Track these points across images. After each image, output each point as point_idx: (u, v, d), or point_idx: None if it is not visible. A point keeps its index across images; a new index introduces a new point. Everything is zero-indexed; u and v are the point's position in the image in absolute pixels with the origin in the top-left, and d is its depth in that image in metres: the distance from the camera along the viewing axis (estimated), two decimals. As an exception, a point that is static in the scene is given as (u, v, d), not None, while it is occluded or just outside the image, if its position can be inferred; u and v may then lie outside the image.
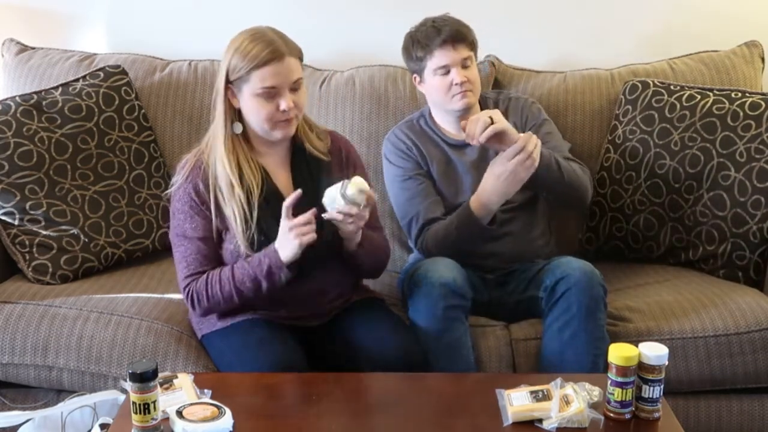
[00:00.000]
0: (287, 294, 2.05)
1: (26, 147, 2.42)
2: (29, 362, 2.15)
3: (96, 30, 2.98)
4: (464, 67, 2.34)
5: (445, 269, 2.15)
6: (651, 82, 2.65)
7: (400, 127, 2.50)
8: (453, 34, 2.32)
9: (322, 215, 1.94)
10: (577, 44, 2.94)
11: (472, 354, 2.15)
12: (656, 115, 2.57)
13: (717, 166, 2.46)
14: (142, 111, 2.67)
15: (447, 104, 2.37)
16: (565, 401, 1.70)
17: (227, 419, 1.67)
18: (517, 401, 1.74)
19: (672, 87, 2.62)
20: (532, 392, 1.75)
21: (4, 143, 2.40)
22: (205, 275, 2.02)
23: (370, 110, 2.68)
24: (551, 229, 2.53)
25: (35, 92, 2.56)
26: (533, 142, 2.18)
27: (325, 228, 1.96)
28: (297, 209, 1.93)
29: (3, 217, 2.41)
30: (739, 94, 2.52)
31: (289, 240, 1.92)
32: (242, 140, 2.06)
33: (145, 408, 1.62)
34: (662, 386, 1.72)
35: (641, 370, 1.71)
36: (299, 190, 1.94)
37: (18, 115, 2.46)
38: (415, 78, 2.44)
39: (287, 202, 1.93)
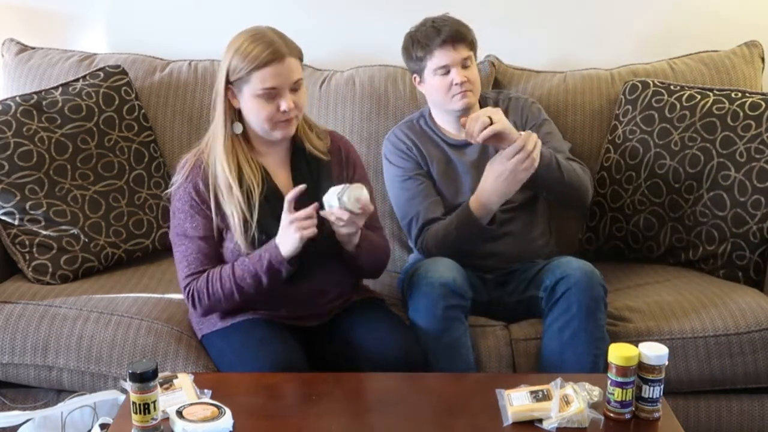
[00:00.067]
0: (287, 293, 2.05)
1: (26, 147, 2.42)
2: (29, 362, 2.15)
3: (96, 30, 2.98)
4: (464, 67, 2.34)
5: (444, 269, 2.15)
6: (651, 82, 2.65)
7: (400, 127, 2.50)
8: (453, 34, 2.32)
9: (320, 212, 1.95)
10: (577, 44, 2.94)
11: (472, 354, 2.15)
12: (656, 115, 2.57)
13: (717, 166, 2.46)
14: (142, 111, 2.67)
15: (447, 104, 2.37)
16: (565, 401, 1.70)
17: (227, 419, 1.67)
18: (517, 401, 1.74)
19: (672, 87, 2.62)
20: (532, 392, 1.75)
21: (4, 143, 2.40)
22: (205, 274, 2.02)
23: (370, 110, 2.68)
24: (551, 229, 2.53)
25: (35, 92, 2.56)
26: (533, 141, 2.18)
27: (325, 225, 1.96)
28: (297, 206, 1.94)
29: (3, 217, 2.41)
30: (739, 94, 2.52)
31: (290, 234, 1.92)
32: (242, 140, 2.06)
33: (145, 408, 1.62)
34: (662, 386, 1.72)
35: (641, 370, 1.71)
36: (303, 185, 1.95)
37: (18, 115, 2.46)
38: (415, 78, 2.44)
39: (290, 196, 1.93)
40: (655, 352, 1.70)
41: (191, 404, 1.70)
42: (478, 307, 2.28)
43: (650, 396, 1.71)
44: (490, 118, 2.19)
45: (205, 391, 1.79)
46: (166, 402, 1.71)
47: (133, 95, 2.67)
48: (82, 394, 2.05)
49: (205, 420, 1.65)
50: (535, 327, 2.24)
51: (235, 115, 2.05)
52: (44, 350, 2.14)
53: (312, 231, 1.91)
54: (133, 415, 1.62)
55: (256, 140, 2.09)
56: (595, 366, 2.09)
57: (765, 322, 2.20)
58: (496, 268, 2.38)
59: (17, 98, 2.51)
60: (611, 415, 1.72)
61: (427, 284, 2.12)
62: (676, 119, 2.54)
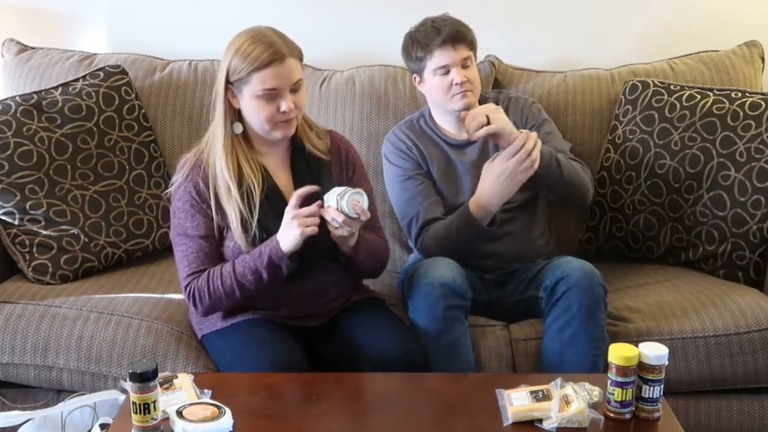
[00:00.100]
0: (288, 293, 2.06)
1: (26, 147, 2.42)
2: (29, 362, 2.15)
3: (96, 30, 2.98)
4: (464, 67, 2.34)
5: (444, 269, 2.15)
6: (651, 82, 2.65)
7: (400, 127, 2.50)
8: (453, 34, 2.32)
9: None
10: (577, 44, 2.94)
11: (472, 354, 2.15)
12: (656, 115, 2.57)
13: (717, 166, 2.46)
14: (142, 111, 2.67)
15: (447, 104, 2.37)
16: (565, 401, 1.70)
17: (227, 419, 1.67)
18: (517, 401, 1.74)
19: (672, 87, 2.62)
20: (532, 392, 1.75)
21: (4, 143, 2.40)
22: (206, 272, 2.01)
23: (370, 110, 2.68)
24: (551, 229, 2.53)
25: (35, 92, 2.56)
26: (532, 140, 2.18)
27: (325, 225, 1.96)
28: (299, 205, 1.94)
29: (3, 217, 2.41)
30: (739, 94, 2.52)
31: (292, 229, 1.92)
32: (242, 140, 2.06)
33: (145, 408, 1.62)
34: (662, 386, 1.72)
35: (641, 370, 1.71)
36: (314, 187, 1.95)
37: (18, 115, 2.46)
38: (414, 78, 2.44)
39: (300, 191, 1.94)
40: (655, 352, 1.70)
41: (191, 404, 1.70)
42: (478, 307, 2.28)
43: (650, 396, 1.71)
44: (488, 117, 2.19)
45: (205, 391, 1.79)
46: (166, 402, 1.71)
47: (133, 95, 2.67)
48: (82, 394, 2.05)
49: (205, 420, 1.65)
50: (535, 327, 2.24)
51: (235, 115, 2.05)
52: (44, 350, 2.14)
53: (313, 229, 1.91)
54: (133, 415, 1.62)
55: (256, 140, 2.09)
56: (595, 366, 2.09)
57: (765, 322, 2.20)
58: (496, 268, 2.38)
59: (17, 98, 2.51)
60: (611, 415, 1.72)
61: (427, 284, 2.12)
62: (676, 119, 2.54)
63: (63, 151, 2.47)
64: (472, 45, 2.37)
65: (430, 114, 2.49)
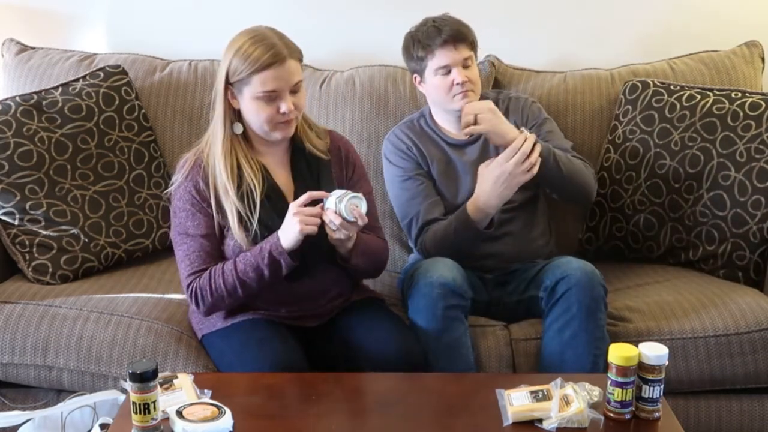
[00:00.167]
0: (288, 292, 2.06)
1: (26, 147, 2.42)
2: (29, 362, 2.15)
3: (96, 30, 2.98)
4: (465, 66, 2.34)
5: (444, 269, 2.15)
6: (651, 82, 2.65)
7: (400, 127, 2.50)
8: (454, 33, 2.32)
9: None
10: (577, 44, 2.94)
11: (472, 354, 2.15)
12: (656, 115, 2.57)
13: (717, 166, 2.46)
14: (142, 111, 2.67)
15: (448, 104, 2.38)
16: (565, 401, 1.70)
17: (227, 419, 1.67)
18: (517, 401, 1.74)
19: (672, 87, 2.62)
20: (532, 392, 1.75)
21: (4, 143, 2.40)
22: (208, 271, 2.01)
23: (370, 110, 2.68)
24: (551, 229, 2.53)
25: (35, 92, 2.56)
26: (530, 142, 2.18)
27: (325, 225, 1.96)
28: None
29: (3, 217, 2.41)
30: (739, 94, 2.52)
31: (292, 224, 1.92)
32: (242, 139, 2.06)
33: (145, 408, 1.62)
34: (662, 386, 1.72)
35: (641, 370, 1.71)
36: (326, 192, 1.95)
37: (18, 115, 2.46)
38: (415, 78, 2.44)
39: (313, 193, 1.94)
40: (655, 352, 1.70)
41: (191, 404, 1.70)
42: (478, 307, 2.28)
43: (650, 396, 1.71)
44: (476, 117, 2.23)
45: (205, 391, 1.79)
46: (166, 402, 1.71)
47: (133, 95, 2.67)
48: (82, 394, 2.05)
49: (205, 420, 1.65)
50: (535, 327, 2.24)
51: (234, 115, 2.05)
52: (44, 350, 2.14)
53: (312, 228, 1.92)
54: (133, 415, 1.62)
55: (255, 140, 2.09)
56: (595, 366, 2.09)
57: (765, 322, 2.20)
58: (496, 268, 2.38)
59: (17, 98, 2.51)
60: (611, 415, 1.72)
61: (426, 284, 2.12)
62: (676, 119, 2.54)
63: (63, 151, 2.47)
64: (473, 45, 2.38)
65: (430, 114, 2.49)
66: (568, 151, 2.41)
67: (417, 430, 1.74)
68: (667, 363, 1.71)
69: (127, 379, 1.62)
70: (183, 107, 2.74)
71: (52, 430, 2.00)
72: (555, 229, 2.56)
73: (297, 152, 2.13)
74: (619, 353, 1.70)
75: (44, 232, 2.41)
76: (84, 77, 2.64)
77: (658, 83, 2.64)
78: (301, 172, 2.11)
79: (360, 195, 1.93)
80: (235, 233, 2.01)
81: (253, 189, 2.02)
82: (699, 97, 2.55)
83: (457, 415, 1.77)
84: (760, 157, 2.42)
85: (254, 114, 2.01)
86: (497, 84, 2.75)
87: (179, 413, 1.66)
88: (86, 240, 2.44)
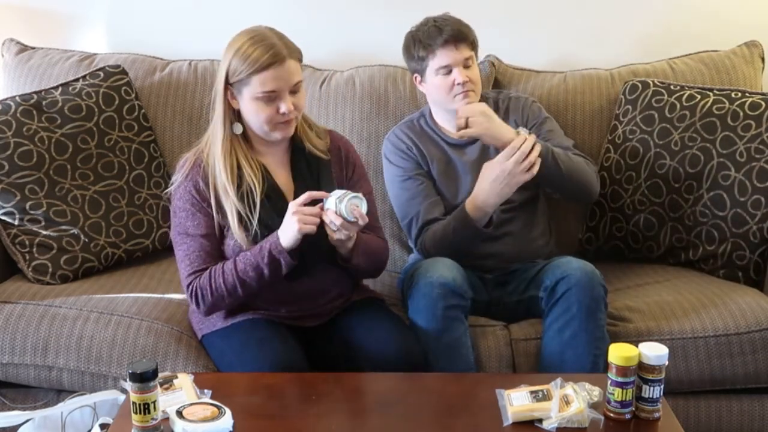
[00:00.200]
0: (288, 291, 2.06)
1: (26, 147, 2.42)
2: (29, 362, 2.15)
3: (96, 30, 2.98)
4: (466, 66, 2.34)
5: (444, 269, 2.15)
6: (651, 82, 2.65)
7: (400, 127, 2.50)
8: (455, 33, 2.32)
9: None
10: (577, 44, 2.94)
11: (472, 354, 2.15)
12: (656, 115, 2.57)
13: (717, 166, 2.46)
14: (142, 111, 2.67)
15: (449, 104, 2.37)
16: (565, 401, 1.70)
17: (227, 419, 1.67)
18: (517, 401, 1.74)
19: (672, 87, 2.62)
20: (532, 392, 1.75)
21: (4, 143, 2.40)
22: (208, 271, 2.02)
23: (370, 110, 2.68)
24: (551, 229, 2.53)
25: (35, 92, 2.56)
26: (530, 142, 2.19)
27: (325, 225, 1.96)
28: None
29: (3, 217, 2.41)
30: (739, 94, 2.52)
31: (291, 223, 1.93)
32: (242, 139, 2.06)
33: (145, 408, 1.62)
34: (662, 386, 1.72)
35: (641, 370, 1.71)
36: (325, 193, 1.95)
37: (18, 115, 2.46)
38: (415, 78, 2.44)
39: (313, 193, 1.94)
40: (655, 352, 1.70)
41: (191, 404, 1.70)
42: (478, 307, 2.28)
43: (650, 396, 1.71)
44: (467, 120, 2.25)
45: (205, 391, 1.79)
46: (166, 402, 1.71)
47: (133, 95, 2.67)
48: (82, 394, 2.05)
49: (205, 420, 1.65)
50: (535, 327, 2.24)
51: (234, 115, 2.05)
52: (44, 350, 2.14)
53: (310, 228, 1.92)
54: (133, 415, 1.63)
55: (255, 140, 2.09)
56: (595, 366, 2.09)
57: (765, 322, 2.20)
58: (496, 268, 2.38)
59: (17, 98, 2.51)
60: (611, 415, 1.72)
61: (426, 284, 2.12)
62: (676, 119, 2.54)
63: (63, 151, 2.47)
64: (473, 45, 2.38)
65: (430, 114, 2.49)
66: (570, 149, 2.41)
67: (417, 430, 1.74)
68: (667, 363, 1.71)
69: (127, 379, 1.62)
70: (183, 107, 2.74)
71: (52, 430, 2.00)
72: (555, 229, 2.56)
73: (297, 152, 2.13)
74: (619, 353, 1.70)
75: (44, 232, 2.41)
76: (84, 77, 2.64)
77: (658, 83, 2.64)
78: (301, 171, 2.11)
79: (360, 195, 1.93)
80: (235, 233, 2.01)
81: (253, 189, 2.02)
82: (699, 97, 2.55)
83: (457, 415, 1.77)
84: (760, 157, 2.42)
85: (254, 114, 2.01)
86: (497, 84, 2.75)
87: (179, 413, 1.67)
88: (86, 240, 2.44)
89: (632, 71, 2.75)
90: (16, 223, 2.41)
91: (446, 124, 2.45)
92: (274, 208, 2.02)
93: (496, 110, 2.48)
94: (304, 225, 1.91)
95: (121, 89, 2.64)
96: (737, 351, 2.18)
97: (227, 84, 2.00)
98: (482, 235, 2.28)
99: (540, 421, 1.70)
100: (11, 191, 2.39)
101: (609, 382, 1.72)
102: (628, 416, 1.72)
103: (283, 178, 2.11)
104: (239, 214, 2.00)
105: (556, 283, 2.15)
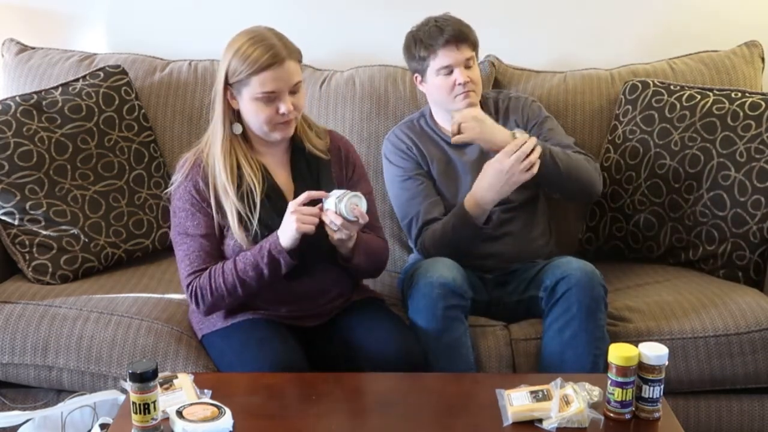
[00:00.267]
0: (288, 291, 2.06)
1: (26, 147, 2.42)
2: (29, 362, 2.15)
3: (96, 30, 2.98)
4: (467, 67, 2.34)
5: (444, 269, 2.15)
6: (651, 82, 2.65)
7: (400, 127, 2.50)
8: (456, 34, 2.32)
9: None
10: (577, 44, 2.94)
11: (472, 354, 2.15)
12: (656, 115, 2.57)
13: (717, 166, 2.46)
14: (142, 111, 2.67)
15: (450, 104, 2.37)
16: (565, 401, 1.70)
17: (227, 419, 1.67)
18: (517, 401, 1.73)
19: (672, 87, 2.62)
20: (532, 392, 1.75)
21: (4, 143, 2.40)
22: (207, 270, 2.02)
23: (370, 110, 2.68)
24: (551, 229, 2.53)
25: (35, 92, 2.56)
26: (530, 143, 2.19)
27: (324, 225, 1.96)
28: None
29: (3, 217, 2.41)
30: (739, 94, 2.52)
31: (289, 222, 1.93)
32: (241, 140, 2.06)
33: (145, 408, 1.62)
34: (662, 386, 1.72)
35: (641, 370, 1.71)
36: (325, 192, 1.95)
37: (18, 115, 2.46)
38: (416, 77, 2.44)
39: (312, 193, 1.94)
40: (655, 352, 1.70)
41: (191, 404, 1.70)
42: (478, 307, 2.28)
43: (650, 396, 1.71)
44: (459, 126, 2.27)
45: (205, 391, 1.79)
46: (166, 402, 1.71)
47: (133, 95, 2.67)
48: (82, 394, 2.05)
49: (205, 420, 1.65)
50: (535, 327, 2.24)
51: (234, 116, 2.05)
52: (44, 350, 2.14)
53: (309, 227, 1.92)
54: (133, 415, 1.62)
55: (255, 140, 2.09)
56: (595, 366, 2.09)
57: (765, 322, 2.20)
58: (496, 268, 2.38)
59: (17, 98, 2.51)
60: (611, 415, 1.72)
61: (426, 284, 2.12)
62: (676, 119, 2.54)
63: (63, 151, 2.47)
64: (474, 45, 2.38)
65: (430, 114, 2.49)
66: (570, 147, 2.41)
67: (417, 430, 1.74)
68: (667, 363, 1.71)
69: (127, 379, 1.62)
70: (183, 107, 2.74)
71: (52, 430, 2.00)
72: (555, 229, 2.56)
73: (297, 152, 2.13)
74: (619, 353, 1.70)
75: (44, 232, 2.41)
76: (84, 77, 2.64)
77: (658, 83, 2.64)
78: (300, 171, 2.11)
79: (359, 194, 1.93)
80: (236, 233, 2.01)
81: (253, 189, 2.02)
82: (699, 97, 2.55)
83: (457, 415, 1.77)
84: (760, 157, 2.42)
85: (253, 115, 2.01)
86: (497, 84, 2.75)
87: (179, 413, 1.66)
88: (86, 240, 2.44)
89: (632, 71, 2.75)
90: (16, 223, 2.41)
91: (446, 124, 2.45)
92: (274, 208, 2.02)
93: (497, 110, 2.49)
94: (302, 225, 1.91)
95: (121, 89, 2.64)
96: (737, 351, 2.18)
97: (227, 84, 2.00)
98: (481, 232, 2.27)
99: (540, 421, 1.70)
100: (11, 191, 2.39)
101: (609, 382, 1.72)
102: (628, 416, 1.72)
103: (283, 178, 2.11)
104: (239, 214, 2.01)
105: (556, 283, 2.15)
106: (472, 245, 2.31)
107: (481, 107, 2.44)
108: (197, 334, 2.15)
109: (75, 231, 2.43)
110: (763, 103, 2.47)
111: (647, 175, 2.54)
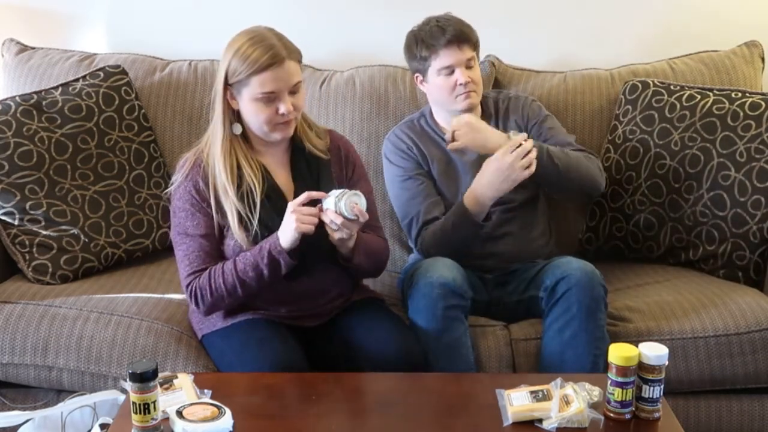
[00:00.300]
0: (288, 291, 2.06)
1: (26, 147, 2.42)
2: (29, 362, 2.15)
3: (96, 30, 2.98)
4: (468, 67, 2.34)
5: (444, 269, 2.15)
6: (651, 82, 2.65)
7: (401, 127, 2.50)
8: (458, 34, 2.32)
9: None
10: (577, 44, 2.94)
11: (472, 354, 2.15)
12: (656, 115, 2.58)
13: (717, 166, 2.46)
14: (142, 111, 2.67)
15: (450, 104, 2.38)
16: (565, 401, 1.70)
17: (227, 419, 1.67)
18: (517, 401, 1.74)
19: (672, 87, 2.62)
20: (532, 392, 1.75)
21: (4, 143, 2.40)
22: (207, 271, 2.02)
23: (370, 110, 2.68)
24: (551, 229, 2.53)
25: (35, 92, 2.56)
26: (530, 143, 2.19)
27: (324, 225, 1.96)
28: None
29: (3, 217, 2.41)
30: (739, 94, 2.52)
31: (289, 222, 1.93)
32: (241, 140, 2.06)
33: (145, 408, 1.62)
34: (662, 386, 1.72)
35: (641, 370, 1.71)
36: (324, 193, 1.95)
37: (18, 115, 2.46)
38: (417, 77, 2.44)
39: (312, 193, 1.94)
40: (655, 352, 1.70)
41: (191, 404, 1.70)
42: (478, 307, 2.28)
43: (650, 396, 1.71)
44: (453, 134, 2.30)
45: (205, 391, 1.79)
46: (166, 402, 1.71)
47: (133, 95, 2.67)
48: (82, 394, 2.05)
49: (205, 420, 1.65)
50: (535, 327, 2.24)
51: (234, 116, 2.05)
52: (44, 350, 2.14)
53: (308, 227, 1.92)
54: (133, 415, 1.62)
55: (255, 140, 2.09)
56: (595, 366, 2.09)
57: (765, 322, 2.20)
58: (496, 268, 2.38)
59: (17, 98, 2.51)
60: (611, 415, 1.72)
61: (426, 284, 2.12)
62: (676, 119, 2.54)
63: (63, 151, 2.47)
64: (475, 45, 2.38)
65: (430, 113, 2.49)
66: (571, 144, 2.41)
67: (417, 430, 1.74)
68: (667, 363, 1.71)
69: (127, 379, 1.62)
70: (183, 107, 2.74)
71: (52, 430, 2.00)
72: (555, 229, 2.56)
73: (297, 152, 2.13)
74: (619, 353, 1.70)
75: (44, 232, 2.41)
76: (84, 77, 2.64)
77: (658, 83, 2.64)
78: (300, 171, 2.11)
79: (358, 192, 1.93)
80: (236, 233, 2.01)
81: (253, 189, 2.02)
82: (699, 97, 2.55)
83: (457, 415, 1.77)
84: (760, 157, 2.42)
85: (253, 115, 2.01)
86: (497, 84, 2.75)
87: (179, 413, 1.66)
88: (86, 240, 2.44)
89: (632, 71, 2.75)
90: (16, 223, 2.41)
91: (447, 124, 2.45)
92: (274, 208, 2.02)
93: (497, 110, 2.49)
94: (301, 224, 1.91)
95: (121, 89, 2.64)
96: (737, 351, 2.18)
97: (227, 84, 2.00)
98: (480, 230, 2.27)
99: (540, 421, 1.70)
100: (11, 191, 2.39)
101: (609, 382, 1.72)
102: (628, 416, 1.72)
103: (282, 178, 2.11)
104: (239, 214, 2.01)
105: (556, 283, 2.15)
106: (472, 244, 2.31)
107: (482, 107, 2.44)
108: (197, 334, 2.15)
109: (75, 231, 2.43)
110: (763, 103, 2.47)
111: (647, 175, 2.54)
